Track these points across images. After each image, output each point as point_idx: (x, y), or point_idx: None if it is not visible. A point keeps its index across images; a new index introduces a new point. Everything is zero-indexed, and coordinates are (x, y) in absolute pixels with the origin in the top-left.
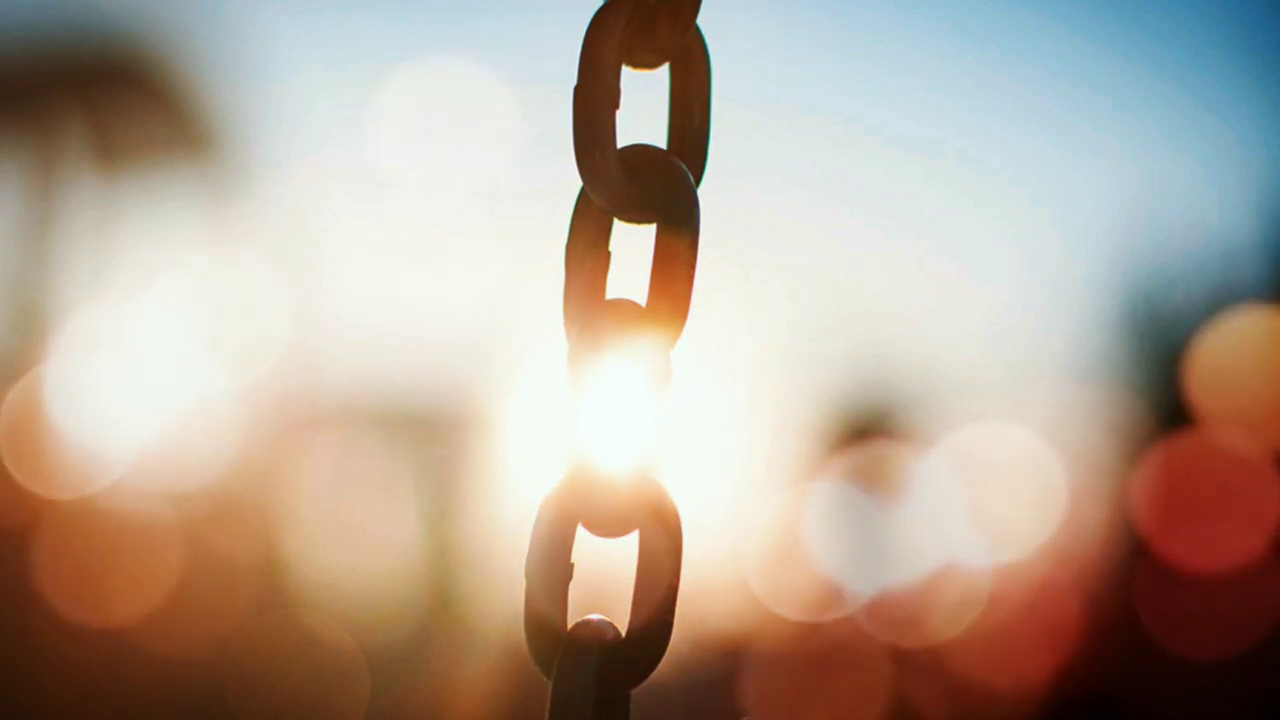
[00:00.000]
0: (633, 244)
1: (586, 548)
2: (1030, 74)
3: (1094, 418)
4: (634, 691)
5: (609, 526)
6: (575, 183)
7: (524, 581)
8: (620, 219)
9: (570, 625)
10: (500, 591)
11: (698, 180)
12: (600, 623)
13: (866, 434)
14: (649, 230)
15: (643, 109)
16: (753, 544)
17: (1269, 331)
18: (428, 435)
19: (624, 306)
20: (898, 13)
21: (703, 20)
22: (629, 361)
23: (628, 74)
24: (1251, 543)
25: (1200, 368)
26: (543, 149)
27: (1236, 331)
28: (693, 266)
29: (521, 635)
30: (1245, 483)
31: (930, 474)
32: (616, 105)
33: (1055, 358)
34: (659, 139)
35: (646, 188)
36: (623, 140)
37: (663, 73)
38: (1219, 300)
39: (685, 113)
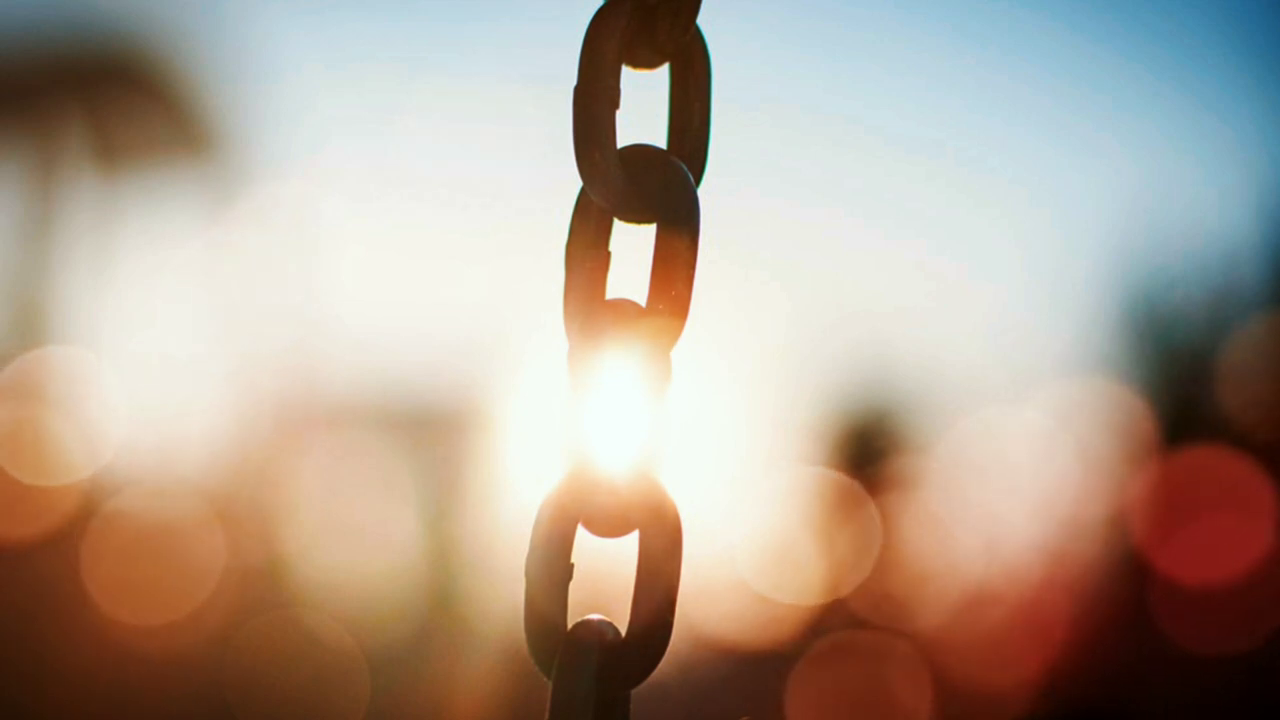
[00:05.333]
0: (633, 244)
1: (586, 548)
2: (1030, 74)
3: (1094, 418)
4: (634, 691)
5: (609, 526)
6: (575, 183)
7: (524, 581)
8: (620, 219)
9: (570, 625)
10: (500, 591)
11: (698, 180)
12: (600, 623)
13: (866, 434)
14: (649, 230)
15: (643, 109)
16: (752, 544)
17: (1270, 332)
18: (428, 435)
19: (624, 306)
20: (897, 13)
21: (703, 20)
22: (629, 361)
23: (628, 74)
24: (1252, 545)
25: (1203, 369)
26: (543, 149)
27: (1238, 332)
28: (693, 266)
29: (521, 635)
30: (1246, 484)
31: (930, 474)
32: (616, 105)
33: (1055, 358)
34: (659, 139)
35: (646, 188)
36: (623, 140)
37: (663, 73)
38: (1219, 300)
39: (685, 113)
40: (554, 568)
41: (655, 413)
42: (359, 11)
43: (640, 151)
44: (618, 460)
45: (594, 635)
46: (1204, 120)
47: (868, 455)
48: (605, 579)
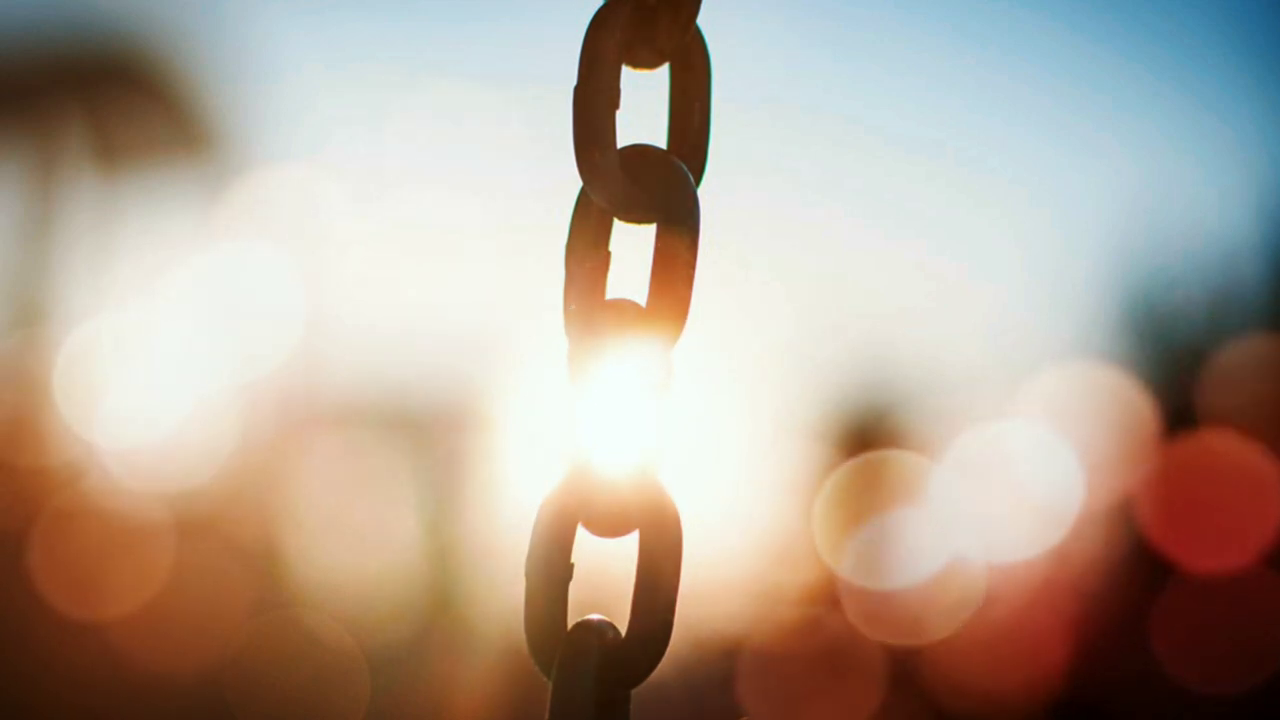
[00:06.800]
0: (633, 244)
1: (586, 548)
2: (1030, 74)
3: (1094, 418)
4: (634, 691)
5: (609, 527)
6: (575, 183)
7: (524, 581)
8: (620, 219)
9: (570, 625)
10: (500, 591)
11: (698, 180)
12: (600, 623)
13: (866, 434)
14: (649, 230)
15: (643, 109)
16: (752, 544)
17: (1270, 332)
18: (428, 435)
19: (624, 306)
20: (898, 13)
21: (703, 20)
22: (629, 361)
23: (628, 74)
24: (1253, 545)
25: (1202, 368)
26: (543, 149)
27: (1237, 332)
28: (693, 266)
29: (521, 635)
30: (1247, 484)
31: (930, 474)
32: (616, 105)
33: (1055, 358)
34: (659, 139)
35: (646, 188)
36: (623, 140)
37: (663, 73)
38: (1219, 300)
39: (685, 113)
40: (554, 568)
41: (655, 413)
42: (359, 11)
43: (640, 151)
44: (618, 460)
45: (594, 635)
46: (1204, 120)
47: (868, 455)
48: (605, 579)
